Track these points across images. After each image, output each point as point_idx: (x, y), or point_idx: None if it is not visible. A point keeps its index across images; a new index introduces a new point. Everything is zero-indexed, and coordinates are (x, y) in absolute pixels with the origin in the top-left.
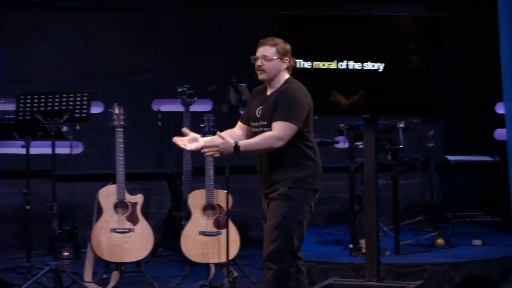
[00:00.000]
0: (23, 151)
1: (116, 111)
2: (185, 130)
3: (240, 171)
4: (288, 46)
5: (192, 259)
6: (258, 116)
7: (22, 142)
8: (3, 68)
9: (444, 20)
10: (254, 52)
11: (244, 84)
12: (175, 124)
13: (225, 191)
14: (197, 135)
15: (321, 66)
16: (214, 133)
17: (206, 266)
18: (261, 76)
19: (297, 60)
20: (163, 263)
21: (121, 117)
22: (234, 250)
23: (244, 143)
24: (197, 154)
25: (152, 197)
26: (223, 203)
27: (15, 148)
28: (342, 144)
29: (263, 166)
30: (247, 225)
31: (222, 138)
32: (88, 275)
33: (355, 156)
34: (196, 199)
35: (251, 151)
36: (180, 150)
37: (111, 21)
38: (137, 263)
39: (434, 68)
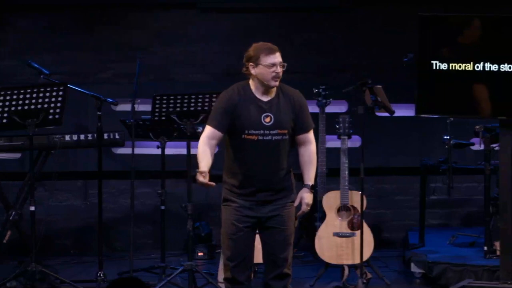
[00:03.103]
0: (158, 151)
1: None
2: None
3: (374, 172)
4: None
5: (326, 260)
6: (268, 123)
7: (158, 143)
8: (140, 69)
9: None
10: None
11: (380, 86)
12: None
13: (360, 192)
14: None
15: (457, 68)
16: (349, 135)
17: (340, 267)
18: (276, 83)
19: (434, 62)
20: (297, 264)
21: None
22: (368, 252)
23: (310, 178)
24: (332, 155)
25: None
26: (357, 205)
27: (150, 149)
28: (478, 146)
29: (264, 172)
30: (381, 226)
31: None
32: (222, 275)
33: (491, 158)
34: (330, 200)
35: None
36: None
37: (250, 21)
38: None
39: None
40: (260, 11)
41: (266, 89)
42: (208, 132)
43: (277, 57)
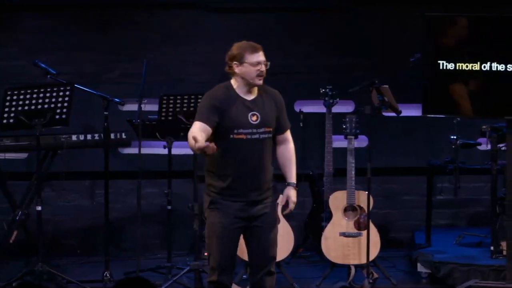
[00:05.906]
0: (165, 151)
1: None
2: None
3: (381, 172)
4: None
5: (333, 260)
6: (255, 122)
7: (164, 143)
8: (147, 70)
9: None
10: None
11: (387, 86)
12: (317, 125)
13: (366, 192)
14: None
15: (464, 68)
16: (356, 135)
17: (346, 267)
18: (261, 82)
19: (440, 62)
20: (303, 264)
21: None
22: (374, 251)
23: (293, 176)
24: (338, 155)
25: None
26: (364, 204)
27: (157, 149)
28: (485, 146)
29: (254, 172)
30: (388, 226)
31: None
32: None
33: (497, 158)
34: (337, 200)
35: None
36: (322, 151)
37: (258, 22)
38: (278, 264)
39: None
40: (267, 11)
41: (250, 88)
42: (198, 125)
43: (261, 56)
